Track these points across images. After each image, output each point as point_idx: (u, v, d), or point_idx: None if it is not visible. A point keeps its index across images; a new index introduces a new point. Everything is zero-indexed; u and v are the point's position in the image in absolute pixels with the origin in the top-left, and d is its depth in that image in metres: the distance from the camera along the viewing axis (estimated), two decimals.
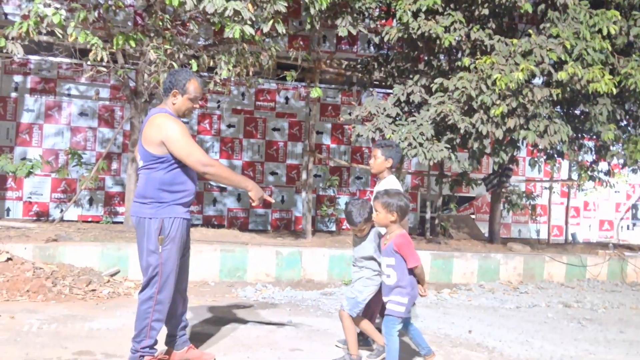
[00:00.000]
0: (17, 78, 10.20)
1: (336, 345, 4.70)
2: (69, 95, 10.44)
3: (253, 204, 3.90)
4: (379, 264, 4.17)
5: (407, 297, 3.92)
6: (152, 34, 7.36)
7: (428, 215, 11.22)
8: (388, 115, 8.37)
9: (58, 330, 4.68)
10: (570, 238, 12.49)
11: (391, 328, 3.93)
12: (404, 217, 4.07)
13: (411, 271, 3.93)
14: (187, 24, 7.70)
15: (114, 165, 10.60)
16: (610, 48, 7.93)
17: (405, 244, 3.92)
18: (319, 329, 5.27)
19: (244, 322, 5.31)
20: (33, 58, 9.38)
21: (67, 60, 8.61)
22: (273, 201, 4.11)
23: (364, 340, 4.59)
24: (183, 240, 3.84)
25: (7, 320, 4.86)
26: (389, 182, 4.68)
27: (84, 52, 7.53)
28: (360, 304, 4.25)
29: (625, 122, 9.59)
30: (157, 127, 3.69)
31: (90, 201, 10.46)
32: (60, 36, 6.49)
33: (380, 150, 4.75)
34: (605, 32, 7.83)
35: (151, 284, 3.71)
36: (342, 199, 11.64)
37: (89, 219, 10.23)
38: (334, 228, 11.47)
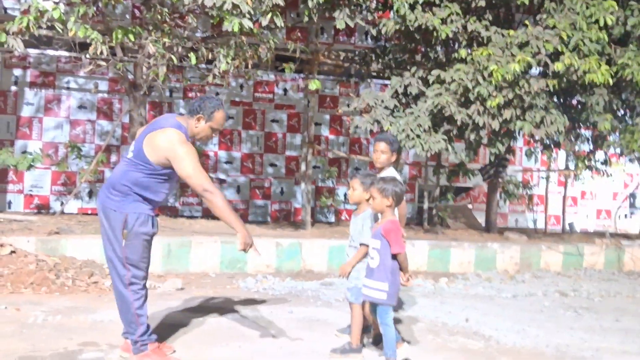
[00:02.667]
0: (17, 72, 10.23)
1: (336, 335, 4.79)
2: (68, 88, 10.47)
3: (238, 249, 3.80)
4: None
5: (387, 283, 4.01)
6: (150, 27, 7.39)
7: (426, 206, 11.28)
8: (386, 107, 8.42)
9: (62, 321, 4.76)
10: (567, 227, 12.57)
11: (385, 317, 4.03)
12: (399, 203, 4.19)
13: (395, 258, 4.03)
14: (185, 17, 7.73)
15: (113, 158, 10.65)
16: (606, 38, 7.96)
17: (392, 230, 4.03)
18: (319, 318, 5.35)
19: (246, 312, 5.39)
20: (32, 52, 9.41)
21: (67, 54, 8.64)
22: (260, 255, 4.01)
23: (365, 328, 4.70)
24: (150, 235, 3.85)
25: (13, 312, 4.94)
26: (390, 173, 4.74)
27: (83, 46, 7.56)
28: (361, 289, 4.37)
29: (621, 112, 9.65)
30: (169, 142, 3.70)
31: (90, 194, 10.52)
32: (60, 31, 6.53)
33: (389, 145, 4.75)
34: (602, 23, 7.85)
35: (121, 276, 3.78)
36: (341, 190, 11.71)
37: (89, 212, 10.29)
38: (333, 219, 11.55)
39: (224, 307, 5.57)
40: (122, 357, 3.92)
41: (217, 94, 11.04)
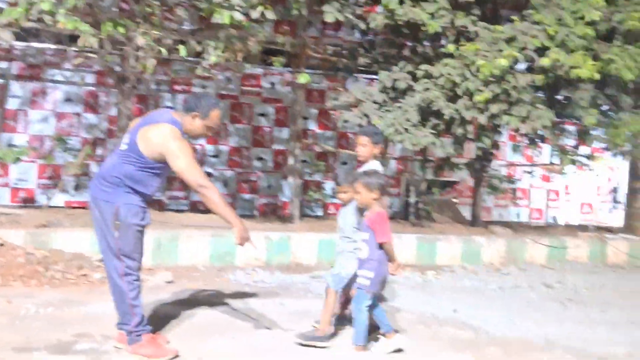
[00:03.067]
0: (3, 64, 10.10)
1: (313, 326, 4.79)
2: (54, 81, 10.37)
3: (235, 243, 3.90)
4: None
5: (374, 272, 4.12)
6: (139, 20, 7.36)
7: (412, 200, 11.35)
8: (374, 102, 8.47)
9: (55, 314, 4.75)
10: (550, 221, 12.74)
11: (360, 302, 4.12)
12: (383, 194, 4.28)
13: (382, 247, 4.12)
14: (174, 10, 7.70)
15: (100, 151, 10.59)
16: (592, 34, 8.05)
17: (378, 221, 4.14)
18: (310, 310, 5.36)
19: (237, 305, 5.41)
20: (18, 44, 9.29)
21: (53, 46, 8.57)
22: (256, 248, 4.11)
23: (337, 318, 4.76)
24: (142, 226, 3.86)
25: (4, 304, 4.92)
26: (373, 166, 4.78)
27: (70, 38, 7.51)
28: (344, 278, 4.42)
29: (606, 107, 9.78)
30: (163, 137, 3.72)
31: (77, 187, 10.45)
32: (50, 23, 6.47)
33: (370, 138, 4.78)
34: (587, 18, 7.93)
35: (115, 267, 3.80)
36: (329, 184, 11.74)
37: (75, 205, 10.22)
38: (321, 213, 11.58)
39: (215, 299, 5.59)
40: (116, 348, 3.94)
41: (204, 87, 11.01)
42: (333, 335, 4.47)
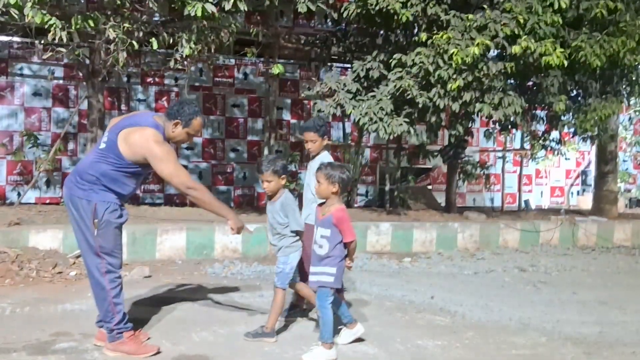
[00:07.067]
0: None
1: (311, 318, 4.82)
2: (21, 75, 10.18)
3: (231, 233, 4.01)
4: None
5: (336, 268, 4.06)
6: (109, 12, 7.25)
7: (387, 188, 11.45)
8: (348, 91, 8.49)
9: (32, 313, 4.70)
10: (523, 205, 12.96)
11: (324, 300, 4.06)
12: (345, 190, 4.21)
13: (345, 245, 4.07)
14: (145, 1, 7.59)
15: (70, 146, 10.45)
16: (561, 22, 8.18)
17: (344, 219, 4.05)
18: (290, 301, 5.40)
19: (217, 298, 5.41)
20: None
21: (19, 39, 8.41)
22: (252, 232, 4.16)
23: (301, 312, 4.78)
24: (120, 223, 3.86)
25: None
26: (324, 158, 4.79)
27: (38, 31, 7.37)
28: (288, 274, 4.37)
29: (575, 93, 9.96)
30: (147, 142, 3.72)
31: (48, 183, 10.30)
32: (17, 17, 6.34)
33: (316, 132, 4.78)
34: (556, 6, 8.06)
35: (96, 264, 3.78)
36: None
37: (47, 201, 10.09)
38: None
39: (194, 293, 5.59)
40: (96, 346, 3.92)
41: (176, 79, 10.92)
42: (279, 330, 4.48)
